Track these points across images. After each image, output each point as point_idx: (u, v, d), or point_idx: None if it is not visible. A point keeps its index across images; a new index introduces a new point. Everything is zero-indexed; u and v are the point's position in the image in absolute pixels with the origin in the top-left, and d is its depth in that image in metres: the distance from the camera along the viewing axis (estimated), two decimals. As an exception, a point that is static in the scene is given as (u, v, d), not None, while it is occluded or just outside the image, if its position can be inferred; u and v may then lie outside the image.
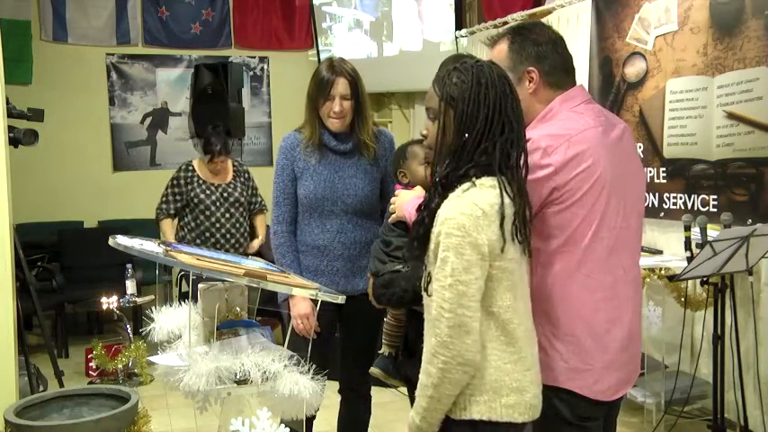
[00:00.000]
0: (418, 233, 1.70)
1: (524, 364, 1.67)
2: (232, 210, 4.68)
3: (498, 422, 1.63)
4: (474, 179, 1.63)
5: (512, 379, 1.65)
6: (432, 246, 1.64)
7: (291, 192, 2.74)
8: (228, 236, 4.67)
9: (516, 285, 1.66)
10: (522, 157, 1.69)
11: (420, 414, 1.66)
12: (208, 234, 4.65)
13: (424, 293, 1.72)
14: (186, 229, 4.72)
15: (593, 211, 1.79)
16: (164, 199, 4.73)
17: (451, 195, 1.63)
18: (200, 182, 4.70)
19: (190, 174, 4.72)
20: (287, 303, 2.66)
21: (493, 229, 1.59)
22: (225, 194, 4.68)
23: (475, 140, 1.64)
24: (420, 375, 1.65)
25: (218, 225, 4.66)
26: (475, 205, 1.59)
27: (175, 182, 4.72)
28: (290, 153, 2.74)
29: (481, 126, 1.64)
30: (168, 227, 4.77)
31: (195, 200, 4.66)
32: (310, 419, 2.71)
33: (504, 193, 1.62)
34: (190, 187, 4.68)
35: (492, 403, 1.63)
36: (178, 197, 4.70)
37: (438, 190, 1.68)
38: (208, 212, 4.64)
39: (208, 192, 4.67)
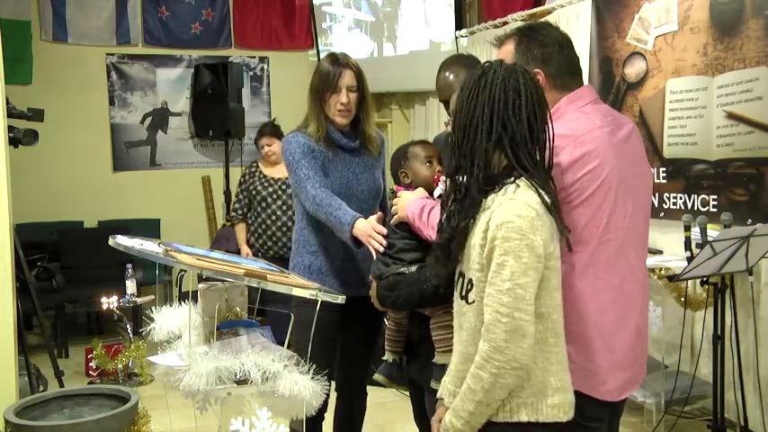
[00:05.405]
0: (460, 240, 1.67)
1: (565, 362, 1.68)
2: (289, 202, 4.84)
3: (545, 423, 1.63)
4: (515, 180, 1.62)
5: (557, 379, 1.64)
6: (483, 251, 1.61)
7: (319, 169, 2.59)
8: (285, 228, 4.82)
9: (559, 283, 1.66)
10: (545, 153, 1.68)
11: (463, 418, 1.64)
12: (264, 227, 4.87)
13: (461, 301, 1.70)
14: (253, 227, 4.96)
15: (600, 211, 1.78)
16: (234, 200, 5.09)
17: (500, 198, 1.61)
18: (261, 176, 4.98)
19: (252, 170, 5.04)
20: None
21: (546, 228, 1.59)
22: (283, 187, 4.88)
23: (481, 140, 1.63)
24: (467, 380, 1.63)
25: (273, 218, 4.85)
26: (529, 206, 1.58)
27: (241, 179, 5.08)
28: (307, 147, 2.62)
29: (485, 126, 1.63)
30: (241, 231, 5.04)
31: (253, 192, 4.93)
32: (320, 421, 2.70)
33: (542, 191, 1.62)
34: (251, 181, 4.98)
35: (538, 404, 1.62)
36: (244, 194, 5.01)
37: (472, 193, 1.65)
38: (264, 204, 4.88)
39: (266, 184, 4.92)
